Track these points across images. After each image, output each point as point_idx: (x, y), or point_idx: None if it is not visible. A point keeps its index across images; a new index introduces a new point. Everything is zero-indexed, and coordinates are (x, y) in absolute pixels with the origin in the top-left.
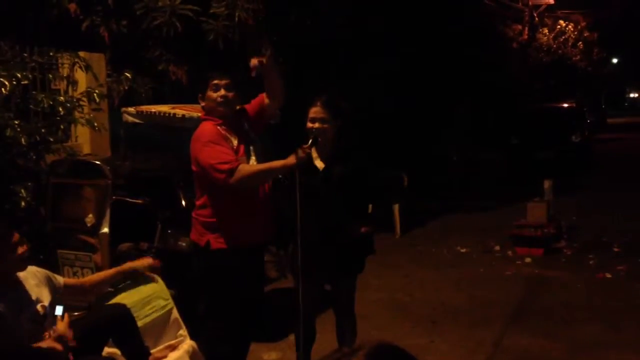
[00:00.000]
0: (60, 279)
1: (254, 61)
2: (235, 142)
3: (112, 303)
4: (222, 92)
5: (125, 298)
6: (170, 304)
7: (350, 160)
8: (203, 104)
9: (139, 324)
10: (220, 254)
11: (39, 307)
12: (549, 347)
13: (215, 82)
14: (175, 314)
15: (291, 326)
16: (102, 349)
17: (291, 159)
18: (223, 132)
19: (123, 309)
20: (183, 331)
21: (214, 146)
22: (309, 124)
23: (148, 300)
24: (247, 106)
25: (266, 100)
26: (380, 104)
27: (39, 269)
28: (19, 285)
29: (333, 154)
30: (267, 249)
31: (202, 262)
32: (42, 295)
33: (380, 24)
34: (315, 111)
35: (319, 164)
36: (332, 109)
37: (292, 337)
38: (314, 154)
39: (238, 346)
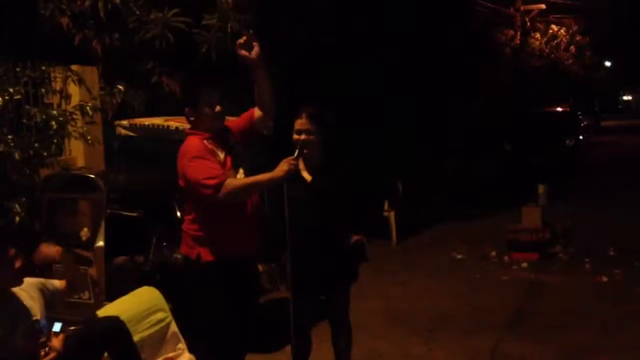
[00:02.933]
0: (56, 283)
1: (239, 41)
2: (222, 156)
3: (106, 316)
4: (218, 107)
5: (122, 312)
6: (169, 317)
7: (337, 171)
8: (193, 117)
9: (137, 337)
10: (211, 267)
11: (32, 321)
12: (546, 352)
13: (210, 97)
14: (174, 327)
15: (288, 336)
16: None
17: (278, 172)
18: (210, 146)
19: (117, 321)
20: (182, 345)
21: (200, 161)
22: (295, 136)
23: (146, 313)
24: (236, 120)
25: (257, 114)
26: (374, 112)
27: (32, 280)
28: (13, 300)
29: (320, 165)
30: (260, 260)
31: (194, 274)
32: (35, 308)
33: (373, 32)
34: (300, 123)
35: (306, 175)
36: (318, 120)
37: (288, 348)
38: (301, 166)
39: (232, 358)
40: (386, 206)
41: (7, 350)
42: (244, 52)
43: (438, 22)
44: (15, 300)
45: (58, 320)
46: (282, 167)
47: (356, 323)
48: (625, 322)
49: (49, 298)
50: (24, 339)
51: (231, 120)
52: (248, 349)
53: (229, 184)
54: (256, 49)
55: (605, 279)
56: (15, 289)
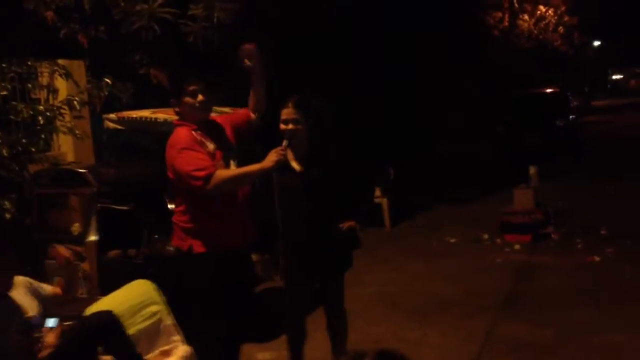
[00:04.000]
0: (47, 289)
1: (248, 47)
2: (211, 147)
3: (98, 311)
4: (200, 97)
5: (116, 306)
6: (163, 310)
7: (326, 159)
8: (178, 109)
9: (132, 331)
10: (203, 258)
11: (27, 317)
12: (541, 333)
13: (192, 87)
14: (168, 320)
15: (283, 326)
16: (91, 357)
17: (267, 162)
18: (198, 137)
19: (108, 315)
20: (177, 336)
21: (189, 152)
22: (282, 126)
23: (140, 307)
24: (230, 115)
25: (252, 115)
26: (366, 98)
27: (25, 279)
28: (6, 299)
29: (308, 154)
30: (253, 250)
31: (186, 266)
32: (30, 305)
33: (365, 17)
34: (287, 112)
35: (295, 165)
36: (304, 109)
37: (284, 337)
38: (290, 155)
39: (227, 349)
40: (378, 192)
41: (2, 347)
42: (247, 62)
43: (427, 5)
44: (8, 299)
45: (52, 316)
46: (272, 157)
47: (351, 309)
48: (619, 301)
49: (38, 299)
50: (19, 336)
51: (226, 116)
52: (243, 339)
53: (219, 175)
54: (258, 59)
55: (597, 258)
56: None
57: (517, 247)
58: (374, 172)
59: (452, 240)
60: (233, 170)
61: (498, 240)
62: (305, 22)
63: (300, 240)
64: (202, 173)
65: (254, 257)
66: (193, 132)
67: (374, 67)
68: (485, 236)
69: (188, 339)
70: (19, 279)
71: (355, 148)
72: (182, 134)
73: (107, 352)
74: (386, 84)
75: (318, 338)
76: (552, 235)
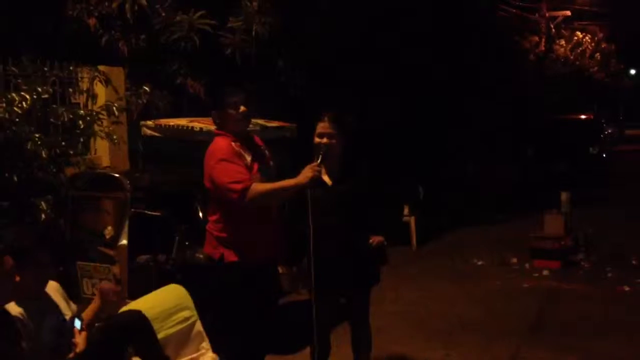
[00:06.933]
0: (74, 306)
1: None
2: (249, 159)
3: (127, 309)
4: (242, 108)
5: (148, 309)
6: (195, 316)
7: (357, 174)
8: (219, 120)
9: (162, 335)
10: (233, 268)
11: (61, 319)
12: None
13: (234, 99)
14: (198, 326)
15: (307, 339)
16: (121, 356)
17: (302, 178)
18: (237, 148)
19: (138, 314)
20: (205, 344)
21: (227, 164)
22: (317, 139)
23: (173, 311)
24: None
25: None
26: (396, 117)
27: (60, 287)
28: (44, 296)
29: (340, 169)
30: (280, 263)
31: (216, 275)
32: (64, 308)
33: (396, 37)
34: (323, 126)
35: (327, 179)
36: (340, 124)
37: (307, 350)
38: (322, 170)
39: (252, 359)
40: (406, 211)
41: (34, 346)
42: None
43: (463, 26)
44: (46, 296)
45: (79, 318)
46: (307, 173)
47: (375, 327)
48: None
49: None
50: (51, 335)
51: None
52: (267, 350)
53: (255, 188)
54: None
55: (627, 288)
56: (48, 288)
57: (545, 272)
58: (404, 189)
59: (479, 263)
60: (269, 184)
61: (527, 265)
62: (341, 40)
63: (328, 254)
64: (238, 186)
65: (281, 269)
66: (232, 144)
67: (406, 86)
68: (514, 260)
69: (214, 348)
70: (53, 283)
71: (386, 165)
72: (222, 145)
73: (135, 352)
74: (418, 104)
75: (342, 353)
76: (582, 263)
